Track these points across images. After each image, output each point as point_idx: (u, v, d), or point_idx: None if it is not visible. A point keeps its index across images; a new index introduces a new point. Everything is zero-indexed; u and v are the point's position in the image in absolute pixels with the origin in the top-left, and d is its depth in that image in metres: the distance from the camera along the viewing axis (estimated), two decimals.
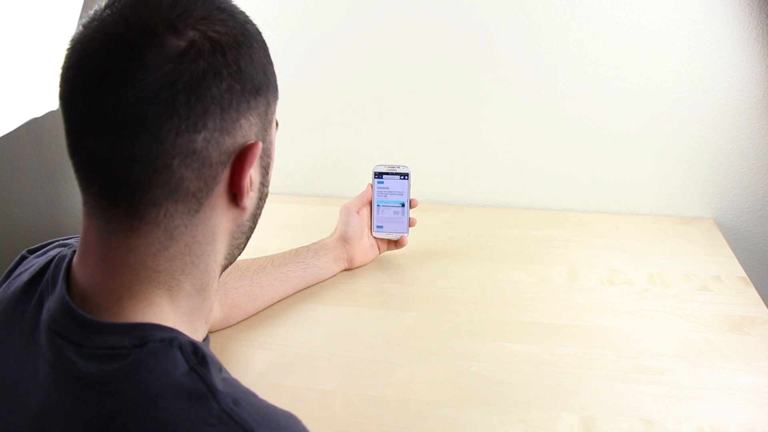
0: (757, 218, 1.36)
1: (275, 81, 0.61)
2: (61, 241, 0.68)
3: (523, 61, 1.31)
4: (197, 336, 0.60)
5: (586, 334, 0.99)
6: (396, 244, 1.18)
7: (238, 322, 1.01)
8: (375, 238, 1.17)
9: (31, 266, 0.63)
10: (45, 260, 0.62)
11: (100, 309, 0.54)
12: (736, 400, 0.87)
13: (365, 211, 1.16)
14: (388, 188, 1.15)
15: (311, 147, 1.44)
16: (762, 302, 1.07)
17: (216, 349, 0.92)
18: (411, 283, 1.13)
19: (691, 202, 1.37)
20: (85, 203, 0.56)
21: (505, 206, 1.43)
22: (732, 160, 1.32)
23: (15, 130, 1.10)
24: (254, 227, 0.64)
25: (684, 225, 1.34)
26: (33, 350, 0.56)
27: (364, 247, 1.15)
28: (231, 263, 0.64)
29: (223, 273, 0.64)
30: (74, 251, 0.59)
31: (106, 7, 0.53)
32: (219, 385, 0.51)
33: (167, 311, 0.56)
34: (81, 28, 0.54)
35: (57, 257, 0.61)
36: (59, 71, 0.54)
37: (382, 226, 1.16)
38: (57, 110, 0.50)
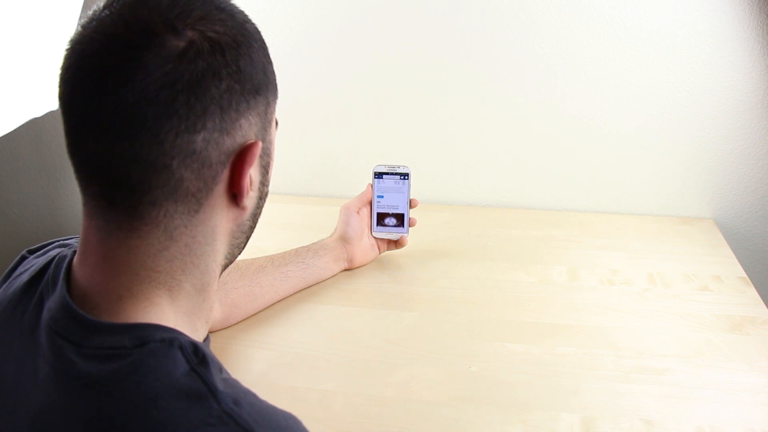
0: (757, 218, 1.36)
1: (275, 80, 0.61)
2: (61, 242, 0.68)
3: (523, 61, 1.31)
4: (198, 336, 0.60)
5: (586, 334, 0.99)
6: (396, 244, 1.18)
7: (238, 322, 1.01)
8: (375, 238, 1.17)
9: (31, 266, 0.63)
10: (45, 260, 0.62)
11: (100, 309, 0.54)
12: (736, 400, 0.87)
13: (365, 211, 1.16)
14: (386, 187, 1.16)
15: (311, 147, 1.44)
16: (762, 302, 1.07)
17: (216, 349, 0.92)
18: (411, 283, 1.13)
19: (691, 202, 1.37)
20: (85, 203, 0.56)
21: (505, 206, 1.43)
22: (732, 160, 1.32)
23: (15, 130, 1.10)
24: (254, 227, 0.64)
25: (684, 225, 1.34)
26: (33, 350, 0.56)
27: (364, 247, 1.15)
28: (231, 263, 0.64)
29: (223, 273, 0.64)
30: (74, 251, 0.59)
31: (105, 7, 0.53)
32: (219, 385, 0.51)
33: (167, 311, 0.56)
34: (80, 28, 0.54)
35: (57, 257, 0.61)
36: (58, 72, 0.54)
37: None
38: (57, 110, 0.50)
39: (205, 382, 0.51)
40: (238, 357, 0.94)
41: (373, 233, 1.16)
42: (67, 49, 0.53)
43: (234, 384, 0.54)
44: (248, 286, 1.01)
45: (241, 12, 0.58)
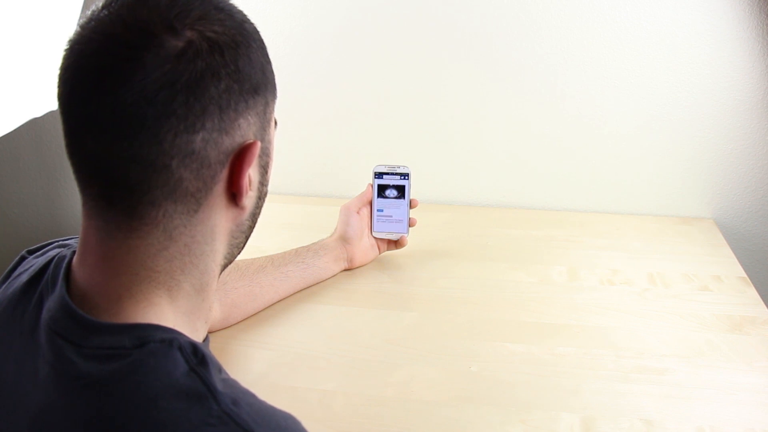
0: (757, 218, 1.36)
1: (273, 80, 0.61)
2: (60, 242, 0.68)
3: (523, 61, 1.31)
4: (197, 336, 0.60)
5: (586, 334, 0.99)
6: (396, 244, 1.18)
7: (238, 322, 1.01)
8: (375, 238, 1.17)
9: (31, 266, 0.63)
10: (45, 260, 0.62)
11: (100, 309, 0.54)
12: (736, 400, 0.86)
13: (365, 211, 1.15)
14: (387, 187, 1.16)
15: (311, 147, 1.44)
16: (762, 302, 1.07)
17: (216, 349, 0.92)
18: (411, 283, 1.13)
19: (691, 202, 1.37)
20: (84, 204, 0.56)
21: (505, 206, 1.43)
22: (732, 160, 1.32)
23: (15, 130, 1.10)
24: (254, 226, 0.64)
25: (684, 225, 1.34)
26: (33, 350, 0.56)
27: (364, 247, 1.15)
28: (230, 262, 0.64)
29: (223, 273, 0.64)
30: (74, 252, 0.59)
31: (104, 7, 0.53)
32: (219, 385, 0.51)
33: (167, 311, 0.56)
34: (78, 28, 0.54)
35: (57, 257, 0.61)
36: (57, 72, 0.54)
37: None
38: (57, 110, 0.50)
39: (204, 383, 0.51)
40: (238, 357, 0.94)
41: (373, 233, 1.16)
42: (66, 50, 0.53)
43: (233, 384, 0.54)
44: (248, 286, 1.01)
45: (240, 12, 0.58)
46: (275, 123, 0.63)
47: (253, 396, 0.54)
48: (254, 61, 0.56)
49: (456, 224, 1.34)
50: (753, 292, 1.10)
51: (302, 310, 1.05)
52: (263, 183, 0.62)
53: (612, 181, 1.37)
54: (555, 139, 1.36)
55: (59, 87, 0.53)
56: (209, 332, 0.79)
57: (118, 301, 0.54)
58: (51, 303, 0.56)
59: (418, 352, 0.95)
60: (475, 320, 1.03)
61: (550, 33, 1.28)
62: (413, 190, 1.17)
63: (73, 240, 0.67)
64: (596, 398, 0.86)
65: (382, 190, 1.16)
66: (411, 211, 1.16)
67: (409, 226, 1.16)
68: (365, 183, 1.17)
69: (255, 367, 0.92)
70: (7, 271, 0.67)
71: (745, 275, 1.15)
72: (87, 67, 0.52)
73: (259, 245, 1.13)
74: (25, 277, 0.62)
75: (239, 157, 0.56)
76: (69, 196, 1.23)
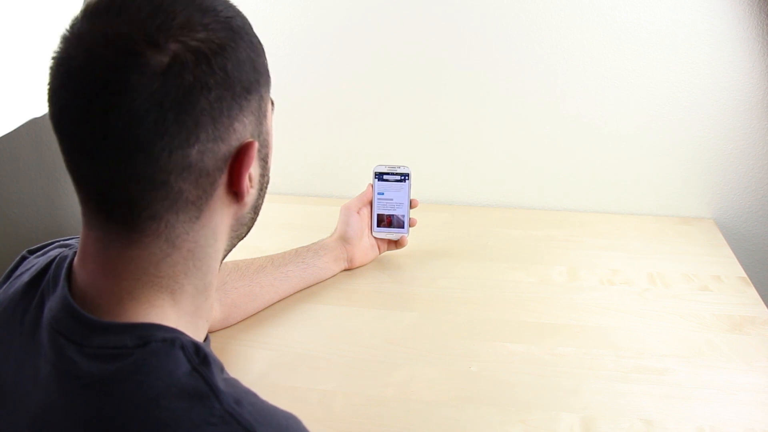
0: (757, 218, 1.36)
1: (266, 70, 0.59)
2: (61, 242, 0.68)
3: (523, 61, 1.31)
4: (199, 334, 0.60)
5: (586, 334, 0.99)
6: (396, 244, 1.18)
7: (238, 322, 1.01)
8: (375, 238, 1.17)
9: (32, 266, 0.63)
10: (46, 260, 0.62)
11: (102, 309, 0.54)
12: (736, 400, 0.87)
13: (365, 211, 1.15)
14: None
15: (311, 147, 1.43)
16: (762, 302, 1.07)
17: (216, 349, 0.92)
18: (411, 283, 1.13)
19: (691, 202, 1.37)
20: (84, 214, 0.55)
21: (505, 206, 1.43)
22: (732, 160, 1.32)
23: (15, 130, 1.09)
24: (256, 217, 0.63)
25: (684, 225, 1.34)
26: (34, 350, 0.56)
27: (364, 247, 1.15)
28: (230, 251, 0.63)
29: (223, 273, 0.64)
30: (75, 252, 0.59)
31: (84, 16, 0.52)
32: (221, 385, 0.51)
33: (169, 312, 0.56)
34: (60, 42, 0.52)
35: (58, 257, 0.60)
36: (46, 90, 0.53)
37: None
38: None
39: (206, 382, 0.51)
40: (238, 357, 0.94)
41: (373, 233, 1.16)
42: (51, 67, 0.52)
43: (235, 384, 0.54)
44: (248, 286, 1.01)
45: (228, 6, 0.56)
46: (272, 104, 0.62)
47: (255, 396, 0.54)
48: (243, 61, 0.55)
49: (456, 224, 1.34)
50: (753, 292, 1.10)
51: (302, 310, 1.05)
52: (264, 174, 0.61)
53: (612, 181, 1.37)
54: (555, 139, 1.36)
55: (49, 107, 0.52)
56: (209, 332, 0.79)
57: (120, 302, 0.54)
58: (53, 303, 0.56)
59: (418, 352, 0.95)
60: (475, 320, 1.03)
61: (550, 33, 1.29)
62: (413, 190, 1.17)
63: (74, 240, 0.67)
64: (596, 398, 0.86)
65: (382, 190, 1.15)
66: (411, 211, 1.16)
67: (410, 226, 1.16)
68: (365, 183, 1.17)
69: (255, 367, 0.92)
70: (7, 271, 0.67)
71: (745, 275, 1.15)
72: (74, 90, 0.50)
73: (259, 245, 1.13)
74: (26, 277, 0.61)
75: (237, 160, 0.55)
76: (69, 196, 1.23)
